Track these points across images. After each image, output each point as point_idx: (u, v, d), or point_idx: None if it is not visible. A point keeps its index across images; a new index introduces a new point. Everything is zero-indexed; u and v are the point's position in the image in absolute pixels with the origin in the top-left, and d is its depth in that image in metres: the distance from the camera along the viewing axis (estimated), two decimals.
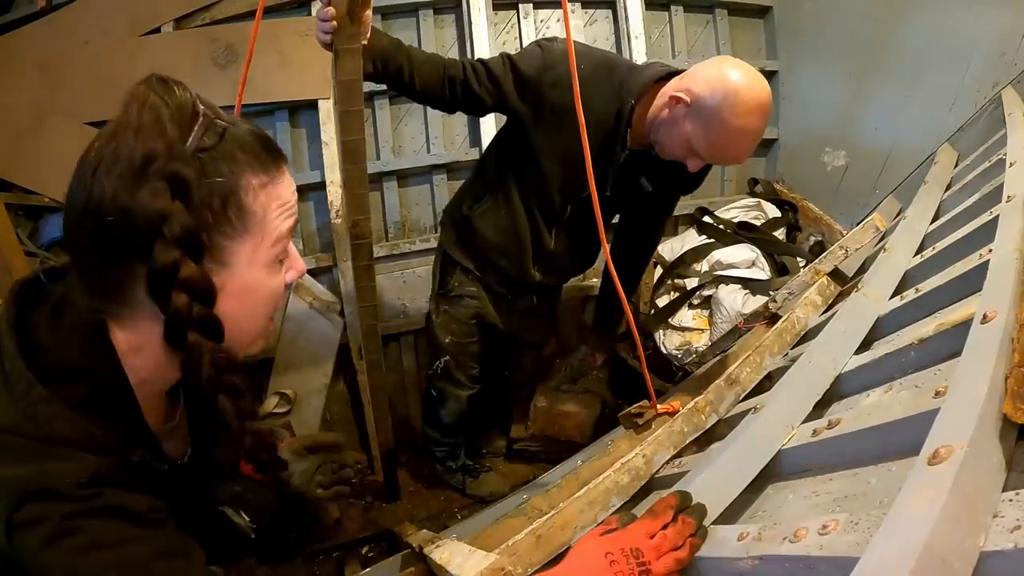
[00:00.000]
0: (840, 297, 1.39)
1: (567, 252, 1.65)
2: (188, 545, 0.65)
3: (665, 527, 0.69)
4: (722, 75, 1.21)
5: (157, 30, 1.97)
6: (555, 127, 1.39)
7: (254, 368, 2.17)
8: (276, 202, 0.62)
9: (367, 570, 1.46)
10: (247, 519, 0.99)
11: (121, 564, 0.57)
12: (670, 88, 1.31)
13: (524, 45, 2.27)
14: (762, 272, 2.10)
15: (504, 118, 1.51)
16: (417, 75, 1.36)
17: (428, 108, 2.16)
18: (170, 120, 0.55)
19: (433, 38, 2.21)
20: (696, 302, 2.19)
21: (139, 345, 0.61)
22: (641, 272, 1.91)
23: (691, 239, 2.34)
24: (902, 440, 0.66)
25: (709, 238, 2.28)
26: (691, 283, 2.22)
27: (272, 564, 1.11)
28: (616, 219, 1.75)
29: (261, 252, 0.62)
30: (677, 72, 1.35)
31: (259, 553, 1.03)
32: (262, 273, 0.63)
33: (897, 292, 1.12)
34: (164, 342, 0.59)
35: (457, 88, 1.39)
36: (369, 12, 1.23)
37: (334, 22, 1.18)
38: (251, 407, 0.71)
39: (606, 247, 1.15)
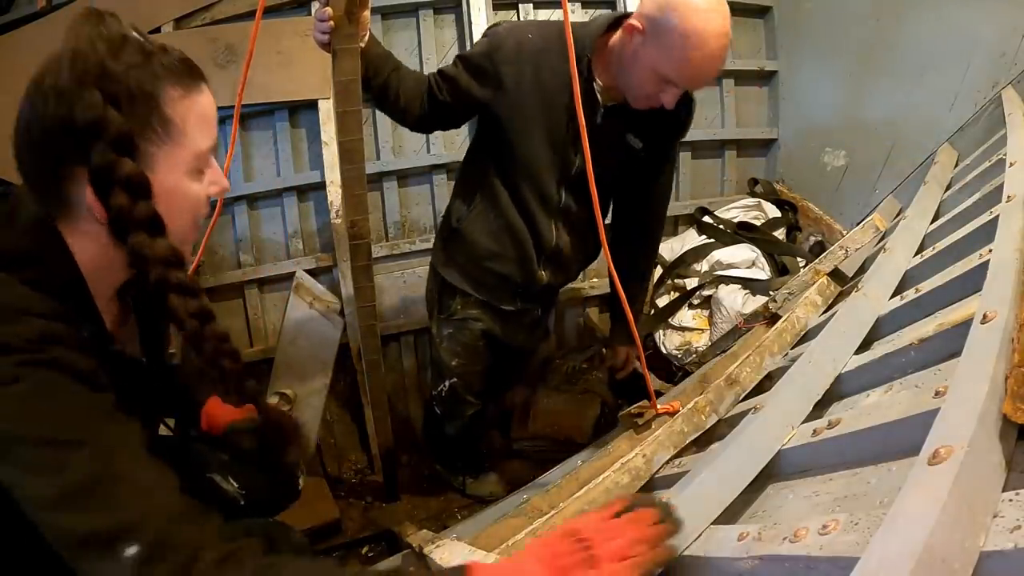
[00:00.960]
0: (840, 297, 1.39)
1: (571, 245, 1.56)
2: (127, 419, 0.66)
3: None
4: None
5: (157, 30, 1.97)
6: (522, 102, 1.36)
7: (254, 368, 2.18)
8: (194, 114, 0.69)
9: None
10: (236, 486, 1.02)
11: (61, 415, 0.60)
12: (625, 24, 1.26)
13: None
14: (762, 272, 2.10)
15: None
16: (402, 89, 1.36)
17: None
18: (101, 42, 0.63)
19: (433, 38, 2.21)
20: (696, 302, 2.19)
21: (86, 245, 0.68)
22: (648, 266, 1.77)
23: (691, 239, 2.34)
24: (902, 440, 0.66)
25: (709, 238, 2.28)
26: (691, 283, 2.22)
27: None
28: (611, 210, 1.64)
29: (181, 159, 0.69)
30: (627, 15, 1.29)
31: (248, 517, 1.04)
32: (183, 179, 0.70)
33: (897, 292, 1.12)
34: (111, 239, 0.67)
35: (426, 102, 1.40)
36: (367, 13, 1.23)
37: (332, 22, 1.18)
38: (206, 307, 0.74)
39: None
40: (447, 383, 1.77)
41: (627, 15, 1.28)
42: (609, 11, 1.41)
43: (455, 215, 1.58)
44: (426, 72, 1.48)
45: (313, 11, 2.02)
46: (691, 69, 1.19)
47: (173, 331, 0.81)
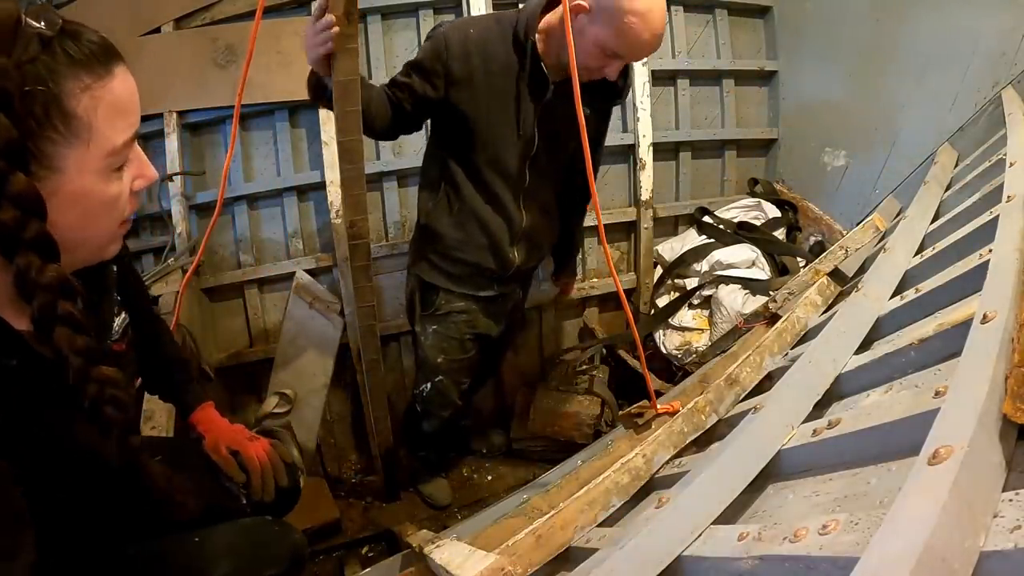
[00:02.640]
0: (840, 297, 1.39)
1: (539, 222, 1.63)
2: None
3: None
4: None
5: (157, 30, 1.97)
6: (476, 94, 1.41)
7: (254, 368, 2.18)
8: (104, 105, 0.61)
9: (367, 570, 1.46)
10: (238, 486, 1.04)
11: None
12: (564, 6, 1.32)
13: None
14: (762, 272, 2.10)
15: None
16: (372, 103, 1.39)
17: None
18: None
19: None
20: (696, 302, 2.19)
21: None
22: (585, 205, 1.88)
23: (691, 239, 2.34)
24: (902, 440, 0.66)
25: (709, 238, 2.28)
26: (691, 283, 2.22)
27: None
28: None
29: (91, 157, 0.62)
30: None
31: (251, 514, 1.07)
32: (95, 178, 0.63)
33: (897, 292, 1.12)
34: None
35: (390, 112, 1.43)
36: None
37: (336, 28, 1.17)
38: (95, 347, 0.64)
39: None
40: (431, 383, 1.79)
41: None
42: None
43: (422, 212, 1.62)
44: None
45: (313, 9, 2.05)
46: (635, 43, 1.28)
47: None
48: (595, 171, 1.67)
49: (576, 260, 2.04)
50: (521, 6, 1.46)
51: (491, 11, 2.17)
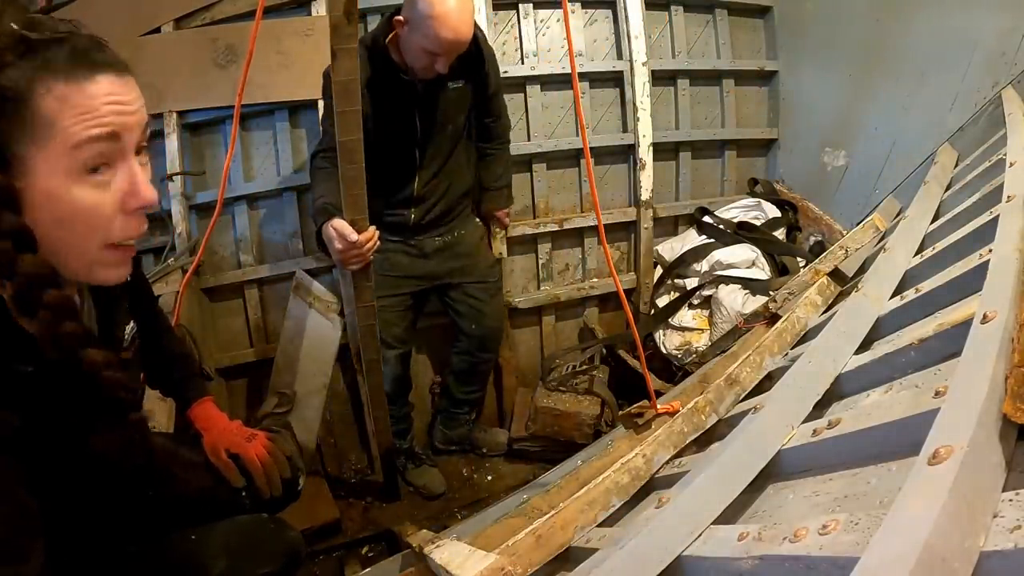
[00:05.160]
0: (840, 297, 1.39)
1: (433, 186, 1.88)
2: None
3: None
4: None
5: (157, 30, 1.97)
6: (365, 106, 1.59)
7: (254, 368, 2.18)
8: (70, 105, 0.61)
9: (367, 570, 1.46)
10: (243, 494, 1.04)
11: None
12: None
13: (524, 45, 2.29)
14: (762, 272, 2.10)
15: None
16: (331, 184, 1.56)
17: None
18: None
19: None
20: (696, 302, 2.19)
21: None
22: (506, 148, 2.09)
23: (691, 239, 2.34)
24: (902, 440, 0.66)
25: (709, 238, 2.28)
26: (691, 283, 2.22)
27: None
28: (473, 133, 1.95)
29: (59, 158, 0.61)
30: (396, 12, 1.61)
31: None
32: (64, 180, 0.62)
33: (897, 292, 1.12)
34: None
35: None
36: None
37: (368, 245, 1.44)
38: (80, 330, 0.65)
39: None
40: None
41: (396, 12, 1.61)
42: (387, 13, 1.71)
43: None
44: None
45: (315, 11, 2.05)
46: (442, 41, 1.54)
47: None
48: (500, 111, 1.98)
49: (503, 190, 2.11)
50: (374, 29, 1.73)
51: (490, 13, 2.19)
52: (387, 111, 1.69)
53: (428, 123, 1.79)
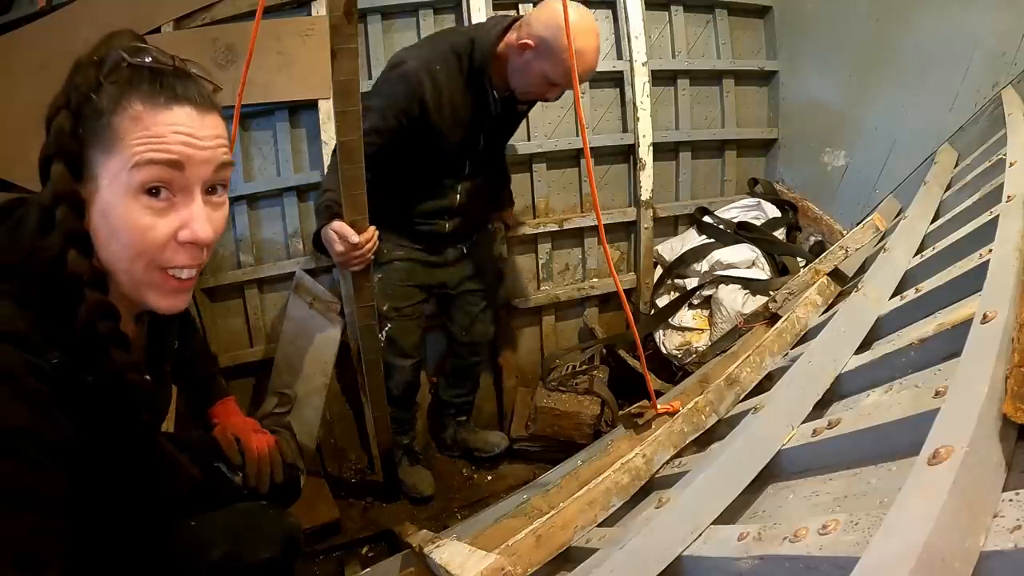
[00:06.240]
0: (840, 297, 1.39)
1: (475, 200, 1.86)
2: (38, 498, 0.60)
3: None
4: (553, 12, 1.46)
5: (157, 30, 1.97)
6: (441, 121, 1.62)
7: (254, 368, 2.18)
8: (142, 127, 0.66)
9: (367, 570, 1.46)
10: (239, 476, 1.07)
11: None
12: (513, 39, 1.56)
13: None
14: (762, 272, 2.10)
15: None
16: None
17: None
18: (89, 64, 0.67)
19: None
20: (696, 302, 2.19)
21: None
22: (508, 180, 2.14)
23: (691, 239, 2.34)
24: (902, 440, 0.66)
25: (709, 238, 2.28)
26: (691, 283, 2.22)
27: None
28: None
29: (122, 173, 0.66)
30: (513, 21, 1.60)
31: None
32: (122, 196, 0.66)
33: (897, 292, 1.12)
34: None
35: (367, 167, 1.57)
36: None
37: (368, 246, 1.44)
38: (119, 335, 0.69)
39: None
40: (383, 332, 1.86)
41: (511, 24, 1.59)
42: (499, 21, 1.64)
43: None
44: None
45: (315, 11, 2.05)
46: (579, 77, 1.47)
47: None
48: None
49: (504, 191, 2.15)
50: (474, 32, 1.64)
51: (491, 13, 2.17)
52: (460, 125, 1.66)
53: (491, 140, 1.79)
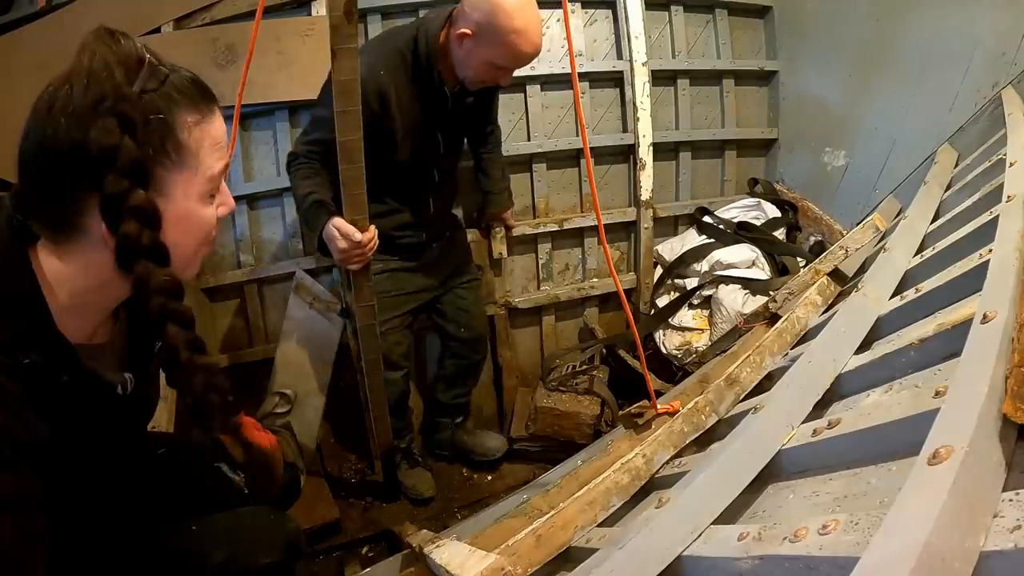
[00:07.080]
0: (840, 297, 1.39)
1: (446, 202, 1.91)
2: (16, 500, 0.61)
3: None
4: None
5: (157, 30, 1.97)
6: (391, 121, 1.58)
7: (254, 368, 2.18)
8: (208, 139, 0.69)
9: (367, 570, 1.46)
10: (241, 476, 1.06)
11: None
12: (453, 30, 1.50)
13: None
14: (762, 272, 2.10)
15: None
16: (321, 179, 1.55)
17: None
18: (117, 66, 0.61)
19: None
20: (696, 302, 2.19)
21: (81, 266, 0.66)
22: (499, 149, 2.08)
23: (691, 239, 2.34)
24: (902, 440, 0.66)
25: (709, 238, 2.28)
26: (691, 283, 2.22)
27: None
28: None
29: (195, 184, 0.69)
30: (449, 17, 1.54)
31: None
32: (196, 204, 0.70)
33: (897, 292, 1.12)
34: (115, 266, 0.65)
35: (324, 165, 1.55)
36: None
37: (370, 245, 1.42)
38: (199, 339, 0.72)
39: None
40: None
41: (449, 17, 1.53)
42: (440, 12, 1.58)
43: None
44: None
45: (315, 11, 2.05)
46: (519, 56, 1.48)
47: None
48: (496, 116, 1.98)
49: (504, 192, 2.11)
50: (418, 28, 1.58)
51: None
52: (417, 126, 1.62)
53: (449, 138, 1.74)
